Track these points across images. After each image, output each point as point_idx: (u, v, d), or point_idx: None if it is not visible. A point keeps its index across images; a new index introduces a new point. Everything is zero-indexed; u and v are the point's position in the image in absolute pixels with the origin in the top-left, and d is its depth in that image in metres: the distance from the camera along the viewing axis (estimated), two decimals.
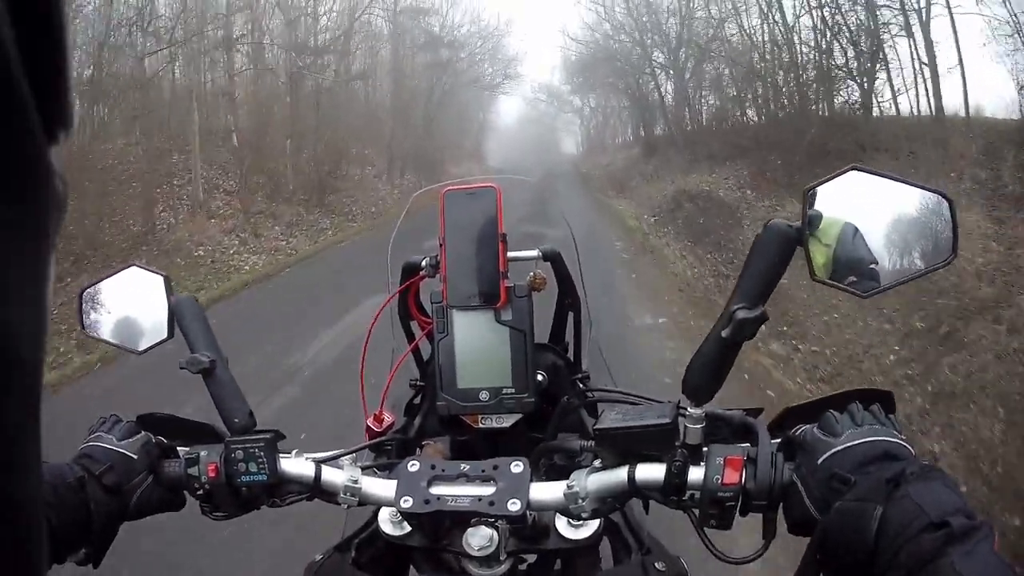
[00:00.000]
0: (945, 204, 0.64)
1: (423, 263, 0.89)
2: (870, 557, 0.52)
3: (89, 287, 0.84)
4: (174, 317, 0.80)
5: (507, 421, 0.88)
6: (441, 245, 0.84)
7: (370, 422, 0.92)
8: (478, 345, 0.86)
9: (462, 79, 25.94)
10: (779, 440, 0.67)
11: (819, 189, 0.63)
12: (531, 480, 0.70)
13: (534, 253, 0.91)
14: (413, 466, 0.71)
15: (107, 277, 0.84)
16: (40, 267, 0.20)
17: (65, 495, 0.66)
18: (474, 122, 40.96)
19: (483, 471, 0.70)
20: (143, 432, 0.76)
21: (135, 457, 0.73)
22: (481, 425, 0.89)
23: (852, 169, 0.64)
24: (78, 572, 0.68)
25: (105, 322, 0.82)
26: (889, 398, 0.66)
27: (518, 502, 0.67)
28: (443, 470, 0.71)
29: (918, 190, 0.64)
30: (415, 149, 19.54)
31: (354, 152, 16.28)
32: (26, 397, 0.20)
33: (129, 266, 0.83)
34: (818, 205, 0.63)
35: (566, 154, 45.28)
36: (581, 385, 0.97)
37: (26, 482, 0.20)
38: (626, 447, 0.67)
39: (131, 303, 0.81)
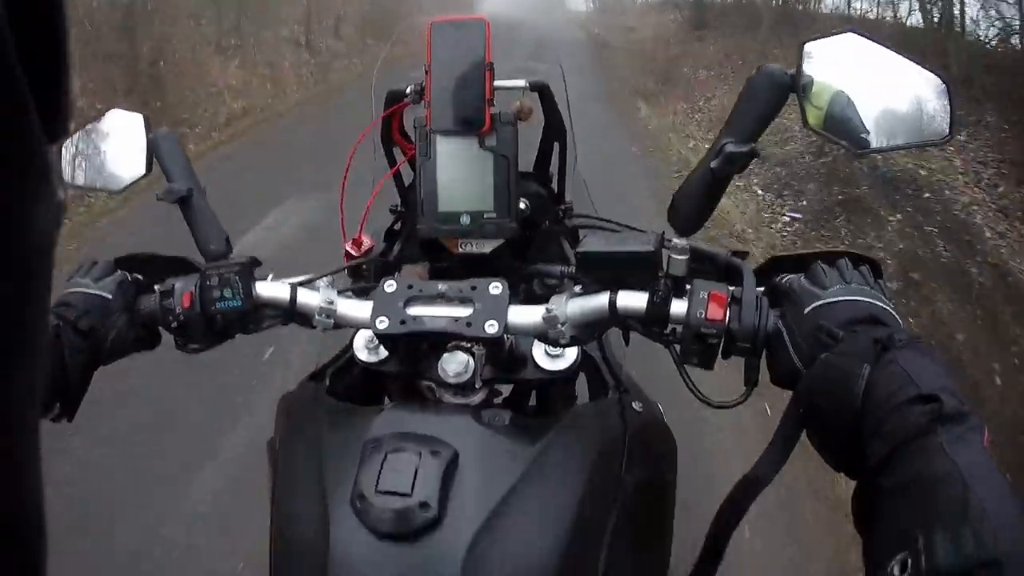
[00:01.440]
0: (942, 86, 0.73)
1: (408, 90, 1.00)
2: (855, 420, 0.58)
3: (68, 136, 0.94)
4: (152, 153, 0.92)
5: (488, 246, 1.00)
6: (427, 72, 0.93)
7: (348, 247, 1.04)
8: (461, 169, 0.97)
9: None
10: (764, 288, 0.76)
11: (814, 45, 0.73)
12: (509, 303, 0.79)
13: (521, 83, 1.01)
14: (390, 286, 0.81)
15: (87, 125, 0.96)
16: (41, 267, 0.23)
17: None
18: None
19: (461, 291, 0.80)
20: (119, 272, 0.87)
21: (110, 297, 0.84)
22: (461, 250, 1.01)
23: (848, 31, 0.73)
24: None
25: (85, 169, 0.96)
26: (877, 266, 0.75)
27: (495, 324, 0.77)
28: (420, 290, 0.81)
29: (915, 66, 0.73)
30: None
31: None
32: (27, 387, 0.23)
33: (110, 109, 0.96)
34: (815, 65, 0.73)
35: (573, 11, 42.32)
36: (563, 215, 1.09)
37: (27, 466, 0.24)
38: (608, 273, 0.77)
39: (112, 146, 0.95)
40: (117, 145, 0.96)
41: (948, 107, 0.73)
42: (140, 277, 0.90)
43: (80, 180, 0.99)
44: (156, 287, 0.87)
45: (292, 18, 14.06)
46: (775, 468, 0.67)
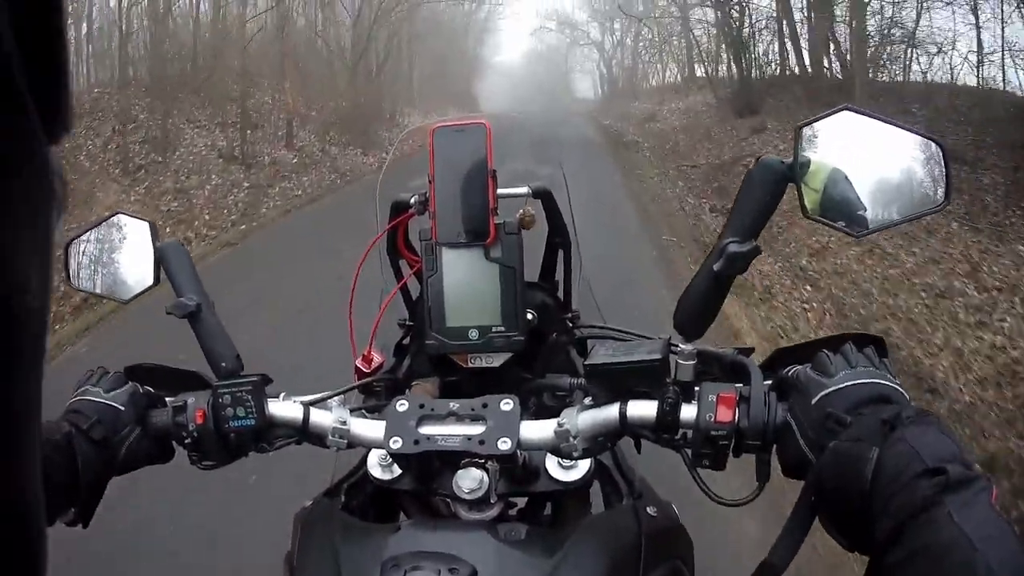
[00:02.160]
0: (938, 149, 0.79)
1: (412, 200, 1.07)
2: (865, 500, 0.62)
3: (75, 239, 1.05)
4: (159, 263, 0.99)
5: (497, 360, 1.09)
6: (430, 182, 1.01)
7: (359, 363, 1.12)
8: (467, 283, 1.05)
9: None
10: (771, 381, 0.81)
11: (810, 127, 0.79)
12: (521, 418, 0.85)
13: (524, 190, 1.09)
14: (402, 406, 0.87)
15: (92, 227, 1.05)
16: (42, 267, 0.25)
17: (53, 454, 0.81)
18: (463, 58, 39.07)
19: (472, 409, 0.86)
20: (130, 383, 0.93)
21: (122, 408, 0.90)
22: (471, 364, 1.09)
23: (844, 109, 0.79)
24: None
25: (91, 273, 1.05)
26: (881, 343, 0.80)
27: (508, 440, 0.82)
28: (432, 409, 0.87)
29: (910, 134, 0.79)
30: (348, 97, 17.06)
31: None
32: (28, 388, 0.25)
33: (114, 214, 1.05)
34: (811, 145, 0.79)
35: (581, 100, 42.96)
36: (571, 324, 1.16)
37: (28, 480, 0.26)
38: (617, 384, 0.82)
39: (117, 252, 1.04)
40: (123, 251, 1.04)
41: (944, 171, 0.79)
42: (151, 389, 0.96)
43: (87, 285, 1.07)
44: (168, 400, 0.93)
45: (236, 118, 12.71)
46: (790, 554, 0.72)
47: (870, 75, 11.88)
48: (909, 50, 12.01)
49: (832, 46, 12.91)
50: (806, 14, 13.88)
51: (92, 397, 0.91)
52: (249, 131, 12.81)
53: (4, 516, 0.26)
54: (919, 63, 12.06)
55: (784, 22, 14.83)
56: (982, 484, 0.57)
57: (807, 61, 14.16)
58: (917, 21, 11.92)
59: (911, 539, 0.56)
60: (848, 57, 12.37)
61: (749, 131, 11.44)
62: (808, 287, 6.38)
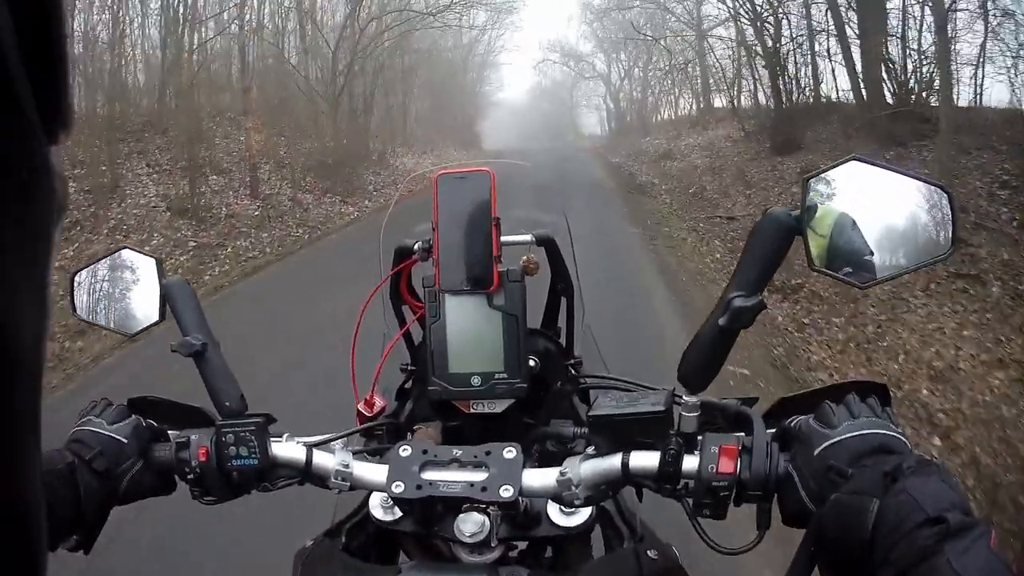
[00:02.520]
0: (944, 197, 0.82)
1: (415, 247, 1.12)
2: (866, 551, 0.64)
3: (80, 270, 1.10)
4: (165, 300, 1.04)
5: (499, 406, 1.13)
6: (434, 229, 1.06)
7: (361, 407, 1.16)
8: (470, 329, 1.10)
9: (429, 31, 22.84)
10: (774, 430, 0.84)
11: (819, 179, 0.82)
12: (524, 466, 0.89)
13: (527, 237, 1.15)
14: (404, 451, 0.91)
15: (99, 260, 1.10)
16: (41, 267, 0.27)
17: (55, 482, 0.85)
18: (464, 94, 38.76)
19: (475, 456, 0.90)
20: (134, 416, 0.97)
21: (125, 441, 0.94)
22: (473, 410, 1.14)
23: (853, 159, 0.82)
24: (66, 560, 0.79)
25: (97, 305, 1.10)
26: (884, 391, 0.84)
27: (510, 488, 0.86)
28: (435, 455, 0.91)
29: (917, 182, 0.82)
30: (331, 136, 16.27)
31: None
32: (28, 393, 0.27)
33: (121, 248, 1.11)
34: (819, 195, 0.82)
35: (588, 136, 43.19)
36: (573, 371, 1.20)
37: (29, 478, 0.28)
38: (620, 434, 0.86)
39: (123, 286, 1.09)
40: (130, 286, 1.09)
41: (951, 218, 0.83)
42: (154, 423, 0.99)
43: (93, 317, 1.11)
44: (171, 434, 0.97)
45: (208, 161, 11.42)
46: None
47: (924, 98, 10.47)
48: (977, 71, 10.52)
49: (886, 67, 11.01)
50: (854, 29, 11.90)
51: (95, 428, 0.95)
52: (211, 177, 11.69)
53: (4, 517, 0.27)
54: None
55: (822, 39, 13.25)
56: (981, 530, 0.60)
57: (844, 85, 12.80)
58: (985, 38, 10.73)
59: None
60: (910, 78, 10.73)
61: (797, 172, 9.04)
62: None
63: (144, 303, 1.09)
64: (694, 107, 27.02)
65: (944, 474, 0.68)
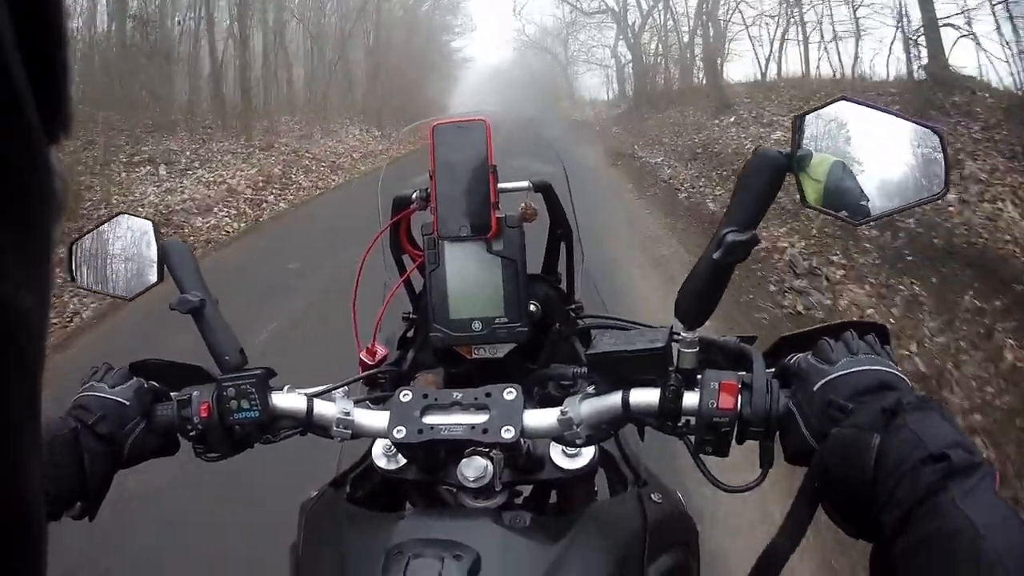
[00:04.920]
0: (936, 138, 0.84)
1: (413, 196, 1.14)
2: (869, 488, 0.65)
3: (78, 239, 1.11)
4: (163, 261, 1.05)
5: (500, 351, 1.15)
6: (431, 177, 1.07)
7: (363, 356, 1.18)
8: (470, 276, 1.11)
9: None
10: (774, 369, 0.86)
11: (808, 117, 0.83)
12: (524, 407, 0.90)
13: (525, 184, 1.15)
14: (405, 396, 0.92)
15: (95, 227, 1.11)
16: (41, 267, 0.27)
17: (59, 449, 0.87)
18: (421, 55, 32.52)
19: (476, 399, 0.91)
20: (135, 378, 0.98)
21: (128, 403, 0.95)
22: (475, 355, 1.16)
23: (841, 99, 0.84)
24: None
25: (95, 272, 1.11)
26: (883, 331, 0.85)
27: (512, 429, 0.87)
28: (436, 399, 0.92)
29: (908, 123, 0.84)
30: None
31: None
32: (27, 389, 0.27)
33: (117, 215, 1.11)
34: (811, 138, 0.84)
35: (587, 105, 34.95)
36: (574, 315, 1.22)
37: (28, 473, 0.28)
38: (619, 372, 0.87)
39: (120, 251, 1.10)
40: (127, 251, 1.10)
41: (943, 159, 0.84)
42: (156, 384, 1.01)
43: (91, 284, 1.13)
44: (173, 395, 0.99)
45: None
46: (795, 541, 0.75)
47: None
48: None
49: None
50: None
51: (97, 393, 0.96)
52: None
53: (4, 516, 0.27)
54: None
55: None
56: (985, 470, 0.60)
57: None
58: None
59: (916, 527, 0.60)
60: None
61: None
62: None
63: (142, 266, 1.10)
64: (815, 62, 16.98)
65: (944, 412, 0.68)
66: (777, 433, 0.82)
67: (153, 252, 1.09)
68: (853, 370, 0.78)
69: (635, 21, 26.53)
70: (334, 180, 14.22)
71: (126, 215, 1.14)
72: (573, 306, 1.24)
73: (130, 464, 0.96)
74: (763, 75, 18.66)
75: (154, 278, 1.09)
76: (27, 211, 0.26)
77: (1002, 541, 0.54)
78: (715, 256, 0.83)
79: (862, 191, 0.86)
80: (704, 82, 19.70)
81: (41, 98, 0.25)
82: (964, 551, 0.55)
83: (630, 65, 28.55)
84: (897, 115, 0.86)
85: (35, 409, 0.28)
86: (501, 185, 1.10)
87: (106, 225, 1.13)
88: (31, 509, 0.28)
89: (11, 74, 0.23)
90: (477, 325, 1.13)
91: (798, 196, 0.86)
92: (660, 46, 25.00)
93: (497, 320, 1.13)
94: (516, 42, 47.43)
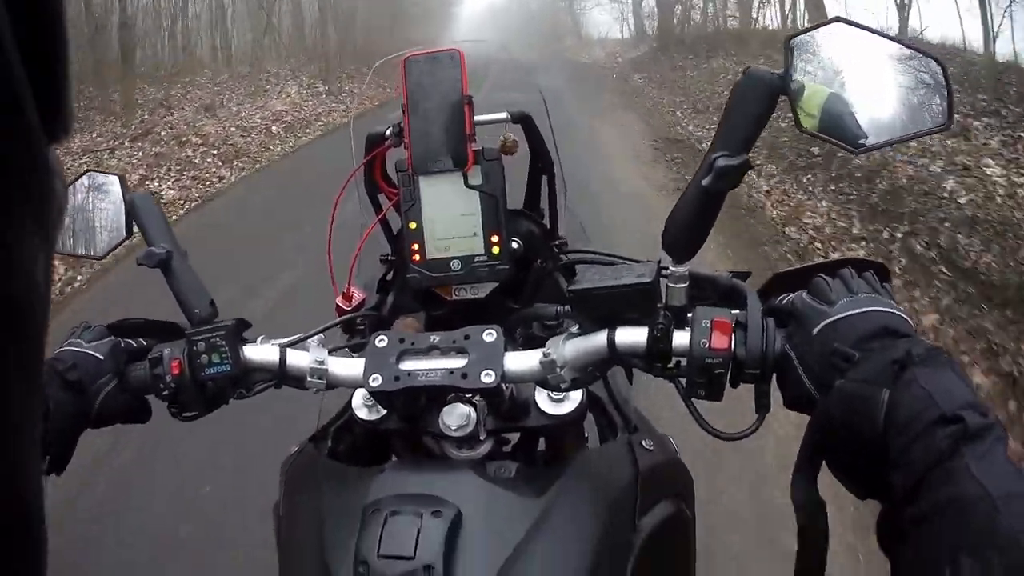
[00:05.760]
0: (938, 68, 0.79)
1: (387, 132, 1.09)
2: (878, 446, 0.62)
3: None
4: (131, 215, 1.03)
5: (482, 291, 1.12)
6: (404, 112, 1.03)
7: (339, 301, 1.14)
8: (447, 213, 1.08)
9: None
10: (768, 307, 0.81)
11: (801, 39, 0.79)
12: (506, 350, 0.85)
13: (503, 115, 1.11)
14: (381, 342, 0.88)
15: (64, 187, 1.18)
16: (42, 267, 0.27)
17: None
18: None
19: (454, 342, 0.87)
20: (112, 337, 0.96)
21: (101, 358, 0.93)
22: (455, 297, 1.13)
23: (836, 20, 0.79)
24: None
25: (64, 233, 1.08)
26: (883, 269, 0.80)
27: (492, 373, 0.83)
28: (412, 343, 0.88)
29: (908, 50, 0.80)
30: None
31: None
32: (27, 389, 0.27)
33: (85, 172, 1.09)
34: (803, 58, 0.80)
35: (597, 43, 30.91)
36: (557, 251, 1.18)
37: (28, 473, 0.28)
38: (605, 309, 0.82)
39: (89, 209, 1.08)
40: (95, 208, 1.08)
41: (946, 91, 0.79)
42: (133, 344, 0.99)
43: (59, 246, 1.11)
44: (147, 358, 0.95)
45: None
46: (809, 493, 0.72)
47: None
48: None
49: None
50: None
51: (72, 347, 0.95)
52: None
53: (4, 516, 0.27)
54: None
55: None
56: (998, 433, 0.58)
57: None
58: None
59: (930, 493, 0.57)
60: None
61: None
62: None
63: (110, 222, 1.09)
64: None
65: (955, 366, 0.65)
66: (774, 377, 0.78)
67: (120, 206, 1.07)
68: (854, 311, 0.73)
69: None
70: (221, 180, 9.13)
71: (92, 171, 1.12)
72: (557, 242, 1.20)
73: (99, 424, 0.95)
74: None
75: (124, 233, 1.08)
76: (27, 211, 0.26)
77: (1018, 512, 0.52)
78: (704, 183, 0.78)
79: (858, 122, 0.82)
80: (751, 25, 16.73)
81: (41, 98, 0.25)
82: (979, 522, 0.53)
83: None
84: (896, 40, 0.82)
85: (35, 409, 0.28)
86: (477, 117, 1.06)
87: (73, 185, 1.10)
88: (31, 509, 0.28)
89: (11, 74, 0.23)
90: (456, 264, 1.10)
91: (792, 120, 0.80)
92: None
93: (477, 259, 1.10)
94: None
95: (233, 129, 11.66)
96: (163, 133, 10.97)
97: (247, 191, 8.49)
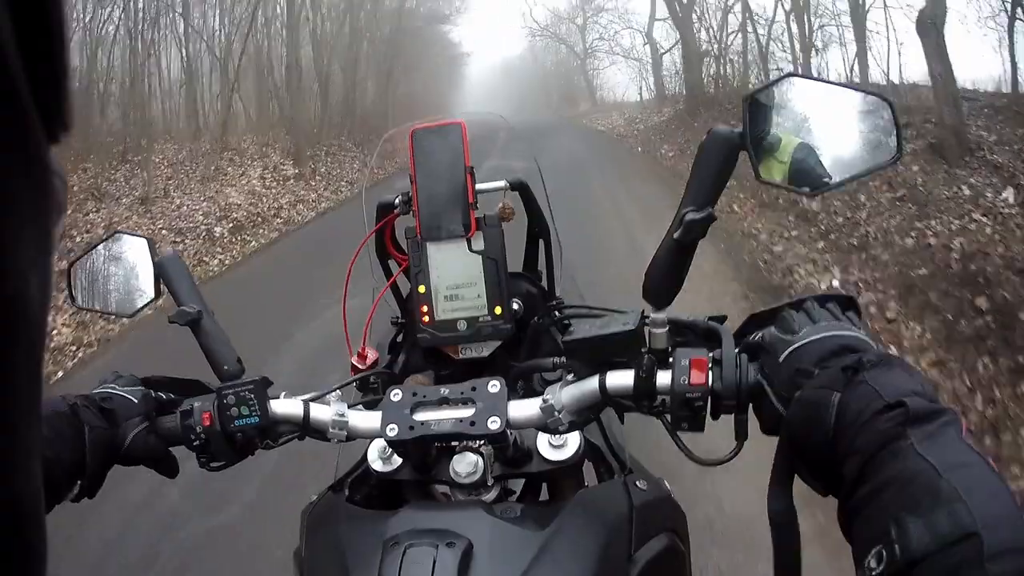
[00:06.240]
0: (886, 106, 0.86)
1: (396, 201, 1.19)
2: (830, 444, 0.66)
3: (77, 260, 1.15)
4: (159, 277, 1.10)
5: (486, 350, 1.19)
6: (412, 181, 1.12)
7: (354, 360, 1.21)
8: (453, 276, 1.16)
9: None
10: (743, 346, 0.87)
11: (759, 96, 0.86)
12: (509, 399, 0.93)
13: (501, 184, 1.20)
14: (396, 396, 0.95)
15: (93, 247, 1.15)
16: (41, 268, 0.27)
17: (58, 425, 0.89)
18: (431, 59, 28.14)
19: (462, 393, 0.94)
20: (144, 387, 1.02)
21: (135, 401, 0.98)
22: (462, 356, 1.20)
23: (790, 75, 0.86)
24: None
25: (95, 292, 1.16)
26: (850, 301, 0.87)
27: (498, 419, 0.90)
28: (425, 396, 0.95)
29: (857, 93, 0.87)
30: None
31: None
32: (28, 389, 0.27)
33: (113, 233, 1.16)
34: (761, 115, 0.86)
35: (608, 111, 26.80)
36: (555, 310, 1.23)
37: (28, 473, 0.28)
38: (596, 356, 0.91)
39: (118, 269, 1.15)
40: (124, 268, 1.15)
41: (894, 125, 0.87)
42: (162, 396, 1.05)
43: (90, 303, 1.18)
44: (177, 411, 1.01)
45: None
46: (787, 506, 0.77)
47: None
48: None
49: None
50: None
51: (107, 389, 1.01)
52: None
53: (4, 516, 0.27)
54: None
55: None
56: (948, 417, 0.60)
57: None
58: None
59: (875, 473, 0.60)
60: None
61: None
62: None
63: (140, 282, 1.15)
64: None
65: (905, 365, 0.69)
66: (750, 407, 0.84)
67: (150, 268, 1.13)
68: (815, 336, 0.80)
69: None
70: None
71: (121, 233, 1.19)
72: (554, 302, 1.27)
73: (128, 461, 0.99)
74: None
75: (152, 294, 1.14)
76: (27, 211, 0.26)
77: (964, 477, 0.54)
78: (676, 236, 0.86)
79: (824, 168, 0.89)
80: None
81: (41, 98, 0.25)
82: (922, 487, 0.55)
83: (673, 52, 21.61)
84: (847, 86, 0.90)
85: (35, 409, 0.28)
86: (479, 186, 1.15)
87: (102, 244, 1.18)
88: (31, 509, 0.29)
89: (11, 74, 0.24)
90: (462, 325, 1.18)
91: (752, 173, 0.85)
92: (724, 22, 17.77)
93: (481, 319, 1.18)
94: (525, 30, 43.28)
95: (165, 232, 9.61)
96: (79, 238, 8.59)
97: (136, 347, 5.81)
